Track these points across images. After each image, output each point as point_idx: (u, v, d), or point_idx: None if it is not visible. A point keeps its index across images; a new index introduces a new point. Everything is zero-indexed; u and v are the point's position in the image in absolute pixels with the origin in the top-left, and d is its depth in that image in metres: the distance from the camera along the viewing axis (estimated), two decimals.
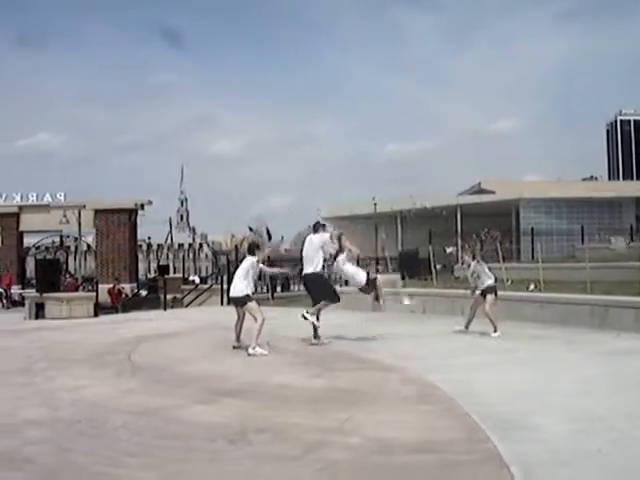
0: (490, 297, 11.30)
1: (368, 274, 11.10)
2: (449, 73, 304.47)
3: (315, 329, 10.46)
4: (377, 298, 11.08)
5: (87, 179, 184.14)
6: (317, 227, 11.01)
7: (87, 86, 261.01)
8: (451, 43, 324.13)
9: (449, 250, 12.15)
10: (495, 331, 10.98)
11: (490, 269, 11.82)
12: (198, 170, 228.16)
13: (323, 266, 10.91)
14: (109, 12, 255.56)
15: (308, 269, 10.61)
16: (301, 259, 10.93)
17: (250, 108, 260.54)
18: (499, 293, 11.56)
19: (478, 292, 11.52)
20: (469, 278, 11.77)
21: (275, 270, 11.46)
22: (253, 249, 10.33)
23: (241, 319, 10.14)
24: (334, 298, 10.68)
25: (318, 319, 10.45)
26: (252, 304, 9.91)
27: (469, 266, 11.69)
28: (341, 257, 10.72)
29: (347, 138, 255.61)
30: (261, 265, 10.54)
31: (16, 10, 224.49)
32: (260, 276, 13.19)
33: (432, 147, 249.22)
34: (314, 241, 10.68)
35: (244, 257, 10.65)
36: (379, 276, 11.22)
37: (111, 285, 24.89)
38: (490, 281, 11.46)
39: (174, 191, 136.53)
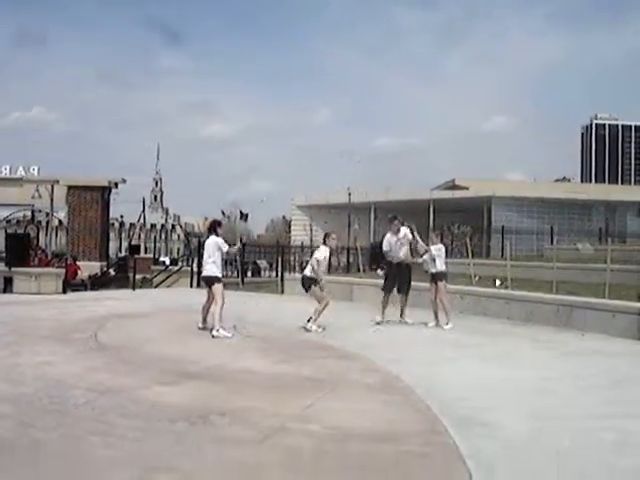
0: (441, 284, 11.34)
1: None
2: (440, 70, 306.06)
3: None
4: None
5: (77, 155, 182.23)
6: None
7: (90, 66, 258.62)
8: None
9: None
10: (447, 323, 11.02)
11: (447, 263, 11.89)
12: (185, 152, 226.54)
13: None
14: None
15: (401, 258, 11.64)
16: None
17: (244, 94, 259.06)
18: (466, 288, 11.62)
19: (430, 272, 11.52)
20: (424, 254, 11.74)
21: (234, 249, 11.46)
22: (215, 227, 10.34)
23: (210, 301, 10.16)
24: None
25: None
26: (219, 286, 10.03)
27: (432, 243, 11.65)
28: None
29: (338, 129, 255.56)
30: (226, 247, 10.35)
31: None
32: (230, 261, 13.17)
33: (420, 143, 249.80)
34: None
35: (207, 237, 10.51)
36: None
37: (69, 263, 24.32)
38: (444, 267, 11.50)
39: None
